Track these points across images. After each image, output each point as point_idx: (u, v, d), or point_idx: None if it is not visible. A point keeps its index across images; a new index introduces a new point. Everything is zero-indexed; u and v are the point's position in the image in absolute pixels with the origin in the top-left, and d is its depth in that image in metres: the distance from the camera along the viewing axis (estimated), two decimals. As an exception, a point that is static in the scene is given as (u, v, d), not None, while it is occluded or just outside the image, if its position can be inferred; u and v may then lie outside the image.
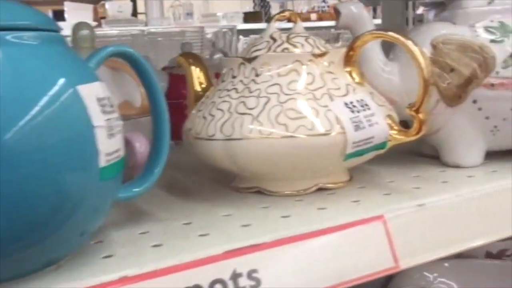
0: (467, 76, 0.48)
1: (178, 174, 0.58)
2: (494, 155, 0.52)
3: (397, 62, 0.51)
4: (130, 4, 4.20)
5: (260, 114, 0.41)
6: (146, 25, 4.12)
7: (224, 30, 1.37)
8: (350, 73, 0.44)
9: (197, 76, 0.51)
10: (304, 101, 0.41)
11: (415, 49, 0.41)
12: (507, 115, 0.49)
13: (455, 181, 0.46)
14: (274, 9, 4.45)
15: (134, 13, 4.56)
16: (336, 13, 0.52)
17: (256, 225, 0.37)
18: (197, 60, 0.53)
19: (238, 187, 0.47)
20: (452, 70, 0.49)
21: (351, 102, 0.42)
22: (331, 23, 3.85)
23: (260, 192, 0.45)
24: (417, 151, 0.57)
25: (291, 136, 0.40)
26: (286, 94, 0.41)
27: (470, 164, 0.51)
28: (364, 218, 0.38)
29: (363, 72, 0.51)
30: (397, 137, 0.43)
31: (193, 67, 0.52)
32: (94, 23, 3.79)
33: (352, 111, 0.41)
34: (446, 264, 0.78)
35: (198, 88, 0.51)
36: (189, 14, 4.71)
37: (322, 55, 0.44)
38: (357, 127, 0.41)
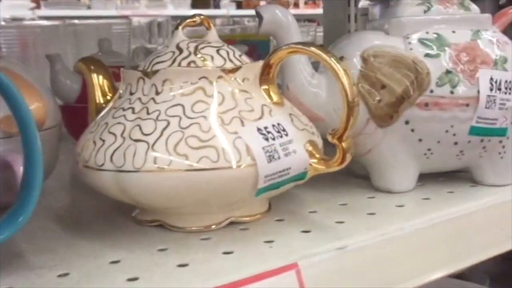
0: (399, 94, 0.43)
1: (78, 195, 0.51)
2: (428, 176, 0.48)
3: (325, 75, 0.46)
4: (73, -16, 4.02)
5: (157, 142, 0.34)
6: (89, 8, 3.96)
7: (159, 20, 1.26)
8: (267, 91, 0.39)
9: (99, 85, 0.44)
10: (210, 126, 0.35)
11: (338, 67, 0.36)
12: (442, 137, 0.44)
13: (383, 213, 0.41)
14: (224, -5, 4.35)
15: (78, -6, 4.37)
16: (258, 17, 0.46)
17: (144, 278, 0.31)
18: (99, 66, 0.46)
19: (139, 219, 0.40)
20: (383, 87, 0.44)
21: (266, 128, 0.36)
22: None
23: (163, 226, 0.39)
24: (350, 171, 0.52)
25: (192, 169, 0.34)
26: (189, 118, 0.35)
27: (402, 189, 0.46)
28: (274, 268, 0.32)
29: (288, 85, 0.46)
30: (318, 167, 0.37)
31: (94, 75, 0.45)
32: (32, 5, 3.60)
33: (266, 139, 0.36)
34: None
35: (100, 100, 0.44)
36: (136, -2, 4.55)
37: (234, 70, 0.38)
38: (271, 158, 0.35)
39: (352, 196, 0.46)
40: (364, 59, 0.44)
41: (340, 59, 0.45)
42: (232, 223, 0.39)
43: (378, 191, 0.47)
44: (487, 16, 0.47)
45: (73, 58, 0.80)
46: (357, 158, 0.48)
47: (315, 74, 0.46)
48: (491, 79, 0.44)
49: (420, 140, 0.45)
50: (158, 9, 4.09)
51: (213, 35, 0.42)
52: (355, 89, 0.36)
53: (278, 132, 0.36)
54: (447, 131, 0.44)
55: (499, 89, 0.44)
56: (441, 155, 0.46)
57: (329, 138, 0.37)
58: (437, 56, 0.44)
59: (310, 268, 0.33)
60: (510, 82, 0.45)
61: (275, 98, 0.39)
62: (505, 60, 0.45)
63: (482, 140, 0.45)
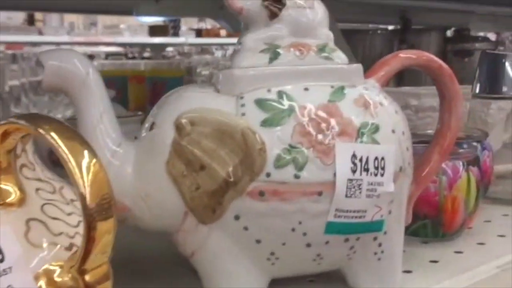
0: (222, 178, 0.30)
1: None
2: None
3: (137, 145, 0.33)
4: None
5: None
6: (40, 33, 3.82)
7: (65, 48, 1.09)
8: (-7, 186, 0.25)
9: None
10: None
11: (72, 162, 0.22)
12: (288, 238, 0.32)
13: None
14: (187, 23, 4.26)
15: (31, 20, 4.23)
16: (37, 65, 0.33)
17: None
18: None
19: None
20: (203, 167, 0.31)
21: (-39, 252, 0.23)
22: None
23: None
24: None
25: None
26: None
27: (239, 306, 0.33)
28: None
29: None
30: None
31: None
32: (-23, 31, 3.45)
33: (-45, 272, 0.22)
34: None
35: None
36: (93, 24, 4.44)
37: None
38: (-44, 306, 0.22)
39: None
40: (179, 128, 0.31)
41: (151, 126, 0.33)
42: None
43: (210, 307, 0.34)
44: (356, 67, 0.35)
45: None
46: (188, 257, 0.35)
47: (124, 143, 0.33)
48: (354, 156, 0.31)
49: (258, 241, 0.32)
50: (114, 36, 3.97)
51: None
52: (105, 191, 0.23)
53: (-15, 257, 0.23)
54: (293, 229, 0.31)
55: (366, 170, 0.32)
56: (291, 260, 0.33)
57: (65, 268, 0.24)
58: (277, 124, 0.31)
59: None
60: (383, 159, 0.32)
61: (8, 196, 0.25)
62: (376, 129, 0.32)
63: (347, 240, 0.33)
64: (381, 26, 1.69)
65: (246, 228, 0.31)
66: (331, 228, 0.32)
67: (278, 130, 0.31)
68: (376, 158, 0.32)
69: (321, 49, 0.34)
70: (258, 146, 0.30)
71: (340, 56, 0.35)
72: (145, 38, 3.78)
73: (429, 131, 0.55)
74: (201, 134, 0.31)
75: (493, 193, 0.59)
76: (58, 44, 3.75)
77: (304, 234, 0.31)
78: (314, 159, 0.31)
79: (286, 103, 0.32)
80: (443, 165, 0.43)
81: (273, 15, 0.34)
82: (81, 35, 3.84)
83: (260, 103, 0.32)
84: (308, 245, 0.32)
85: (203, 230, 0.32)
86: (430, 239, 0.45)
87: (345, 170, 0.31)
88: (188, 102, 0.32)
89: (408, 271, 0.39)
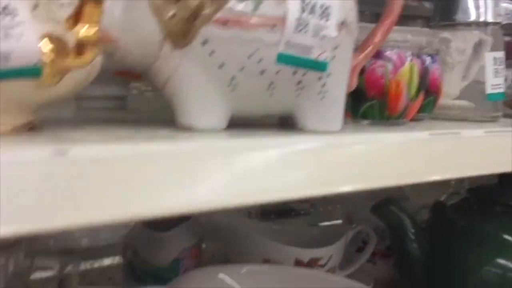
0: (194, 6, 0.37)
1: None
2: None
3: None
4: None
5: None
6: None
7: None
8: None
9: None
10: None
11: None
12: (245, 63, 0.38)
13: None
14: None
15: None
16: None
17: None
18: None
19: None
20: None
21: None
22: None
23: None
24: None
25: None
26: None
27: (204, 125, 0.40)
28: None
29: None
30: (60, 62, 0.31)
31: None
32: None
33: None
34: (243, 270, 0.68)
35: None
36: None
37: None
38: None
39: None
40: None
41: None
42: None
43: (184, 129, 0.40)
44: None
45: None
46: (161, 92, 0.42)
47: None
48: (303, 0, 0.38)
49: (221, 66, 0.39)
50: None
51: None
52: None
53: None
54: (251, 55, 0.38)
55: (313, 13, 0.39)
56: (248, 86, 0.40)
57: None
58: (254, -31, 0.38)
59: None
60: (326, 7, 0.39)
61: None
62: (324, -17, 0.40)
63: (295, 72, 0.40)
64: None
65: (212, 53, 0.38)
66: (282, 58, 0.38)
67: (245, -27, 0.38)
68: (321, 6, 0.39)
69: None
70: (224, -16, 0.37)
71: None
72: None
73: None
74: (179, -26, 0.38)
75: (445, 115, 0.66)
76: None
77: (260, 60, 0.38)
78: (270, -3, 0.38)
79: (250, -45, 0.39)
80: (390, 52, 0.50)
81: None
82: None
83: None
84: (262, 72, 0.39)
85: (177, 55, 0.38)
86: (377, 121, 0.51)
87: (295, 9, 0.38)
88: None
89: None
